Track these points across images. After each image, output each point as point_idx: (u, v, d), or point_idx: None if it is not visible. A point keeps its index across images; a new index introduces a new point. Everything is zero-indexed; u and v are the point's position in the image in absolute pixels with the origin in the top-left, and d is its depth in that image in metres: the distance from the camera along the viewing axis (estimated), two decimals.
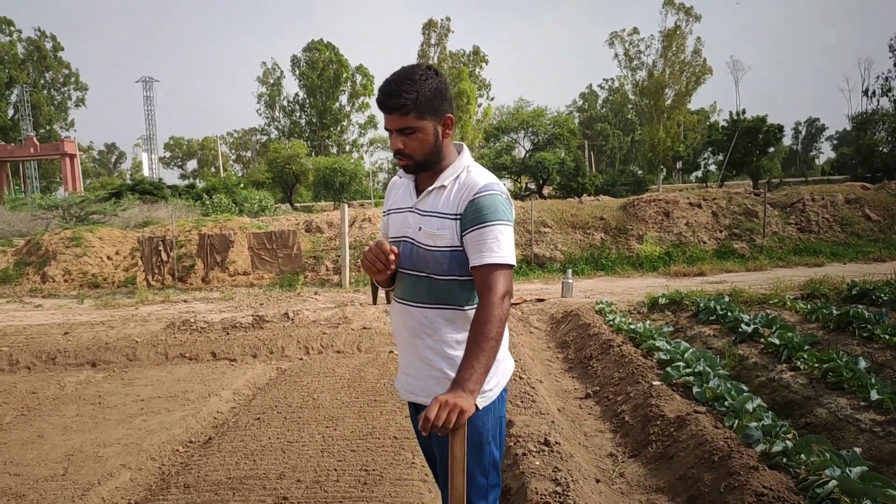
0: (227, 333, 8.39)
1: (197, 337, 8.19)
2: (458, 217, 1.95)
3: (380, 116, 2.08)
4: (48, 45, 63.05)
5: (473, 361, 1.82)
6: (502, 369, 2.12)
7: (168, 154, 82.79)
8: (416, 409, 2.20)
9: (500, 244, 1.90)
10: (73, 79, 65.32)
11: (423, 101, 1.93)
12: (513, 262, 1.93)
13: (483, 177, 2.00)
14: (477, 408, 1.89)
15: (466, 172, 2.03)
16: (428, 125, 1.97)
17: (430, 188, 2.03)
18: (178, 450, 4.60)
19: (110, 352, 7.60)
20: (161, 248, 15.27)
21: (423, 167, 2.04)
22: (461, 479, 1.86)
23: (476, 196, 1.94)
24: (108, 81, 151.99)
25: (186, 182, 55.25)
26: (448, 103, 2.02)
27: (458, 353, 1.98)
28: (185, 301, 12.90)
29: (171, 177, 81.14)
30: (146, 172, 62.79)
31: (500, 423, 2.13)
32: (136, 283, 15.29)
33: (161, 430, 4.88)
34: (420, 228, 2.01)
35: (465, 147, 2.13)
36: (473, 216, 1.92)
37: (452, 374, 1.90)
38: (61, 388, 6.43)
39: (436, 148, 2.01)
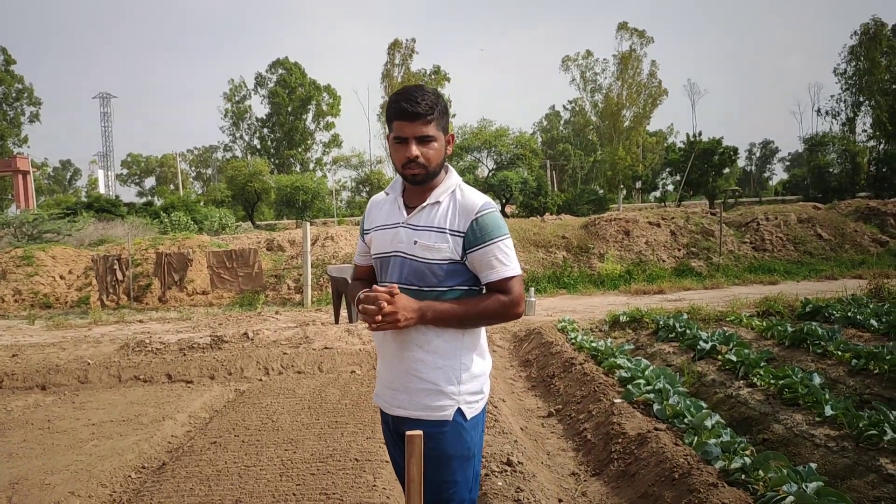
0: (184, 354, 8.18)
1: (152, 358, 7.97)
2: (461, 234, 2.04)
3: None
4: None
5: (455, 306, 2.01)
6: (488, 384, 2.21)
7: (125, 171, 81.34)
8: (394, 422, 2.16)
9: (507, 257, 2.05)
10: (26, 94, 63.58)
11: (440, 114, 2.06)
12: (520, 271, 2.09)
13: (478, 196, 2.11)
14: (463, 415, 2.06)
15: (460, 191, 2.12)
16: (441, 138, 2.09)
17: (424, 204, 2.10)
18: (130, 476, 4.44)
19: (61, 374, 7.34)
20: (116, 266, 14.88)
21: (431, 178, 2.10)
22: (418, 500, 1.84)
23: (478, 215, 2.04)
24: (64, 97, 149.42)
25: (144, 200, 54.18)
26: (449, 123, 2.15)
27: (449, 362, 2.06)
28: (141, 321, 12.57)
29: (129, 194, 79.61)
30: (102, 190, 61.52)
31: (482, 436, 2.21)
32: (90, 303, 14.86)
33: (113, 455, 4.71)
34: (415, 242, 2.06)
35: (451, 167, 2.21)
36: (478, 235, 2.03)
37: (445, 386, 2.04)
38: (7, 412, 6.17)
39: (443, 161, 2.12)
